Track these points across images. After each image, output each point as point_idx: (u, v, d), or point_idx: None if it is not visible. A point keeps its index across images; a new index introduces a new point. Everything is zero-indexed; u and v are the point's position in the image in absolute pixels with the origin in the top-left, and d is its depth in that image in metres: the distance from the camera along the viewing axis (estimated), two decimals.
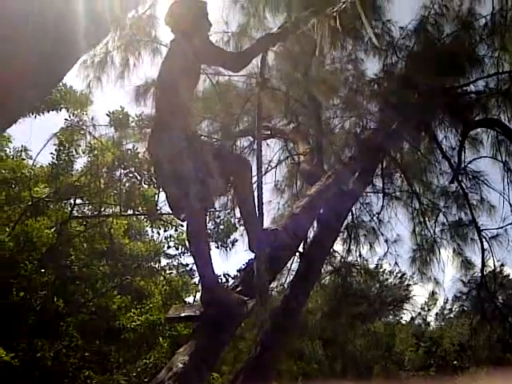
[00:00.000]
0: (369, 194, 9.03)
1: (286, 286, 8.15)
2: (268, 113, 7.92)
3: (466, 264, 9.08)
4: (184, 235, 10.51)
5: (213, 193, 3.55)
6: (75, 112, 9.04)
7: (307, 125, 8.16)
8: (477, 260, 8.94)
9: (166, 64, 3.65)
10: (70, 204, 9.83)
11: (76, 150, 9.24)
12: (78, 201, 9.86)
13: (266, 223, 4.16)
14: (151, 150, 3.63)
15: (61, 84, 8.85)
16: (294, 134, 8.01)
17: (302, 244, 6.18)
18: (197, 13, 3.62)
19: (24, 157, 10.38)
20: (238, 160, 3.76)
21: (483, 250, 8.55)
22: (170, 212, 4.14)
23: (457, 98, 7.78)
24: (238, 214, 9.18)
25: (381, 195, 8.90)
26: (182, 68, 3.46)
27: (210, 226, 9.51)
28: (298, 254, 6.13)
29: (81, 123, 9.05)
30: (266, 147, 8.96)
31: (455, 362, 18.83)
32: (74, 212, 9.97)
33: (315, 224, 6.37)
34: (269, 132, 8.50)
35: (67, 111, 9.03)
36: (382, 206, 8.98)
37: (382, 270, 10.73)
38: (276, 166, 9.35)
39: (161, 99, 3.73)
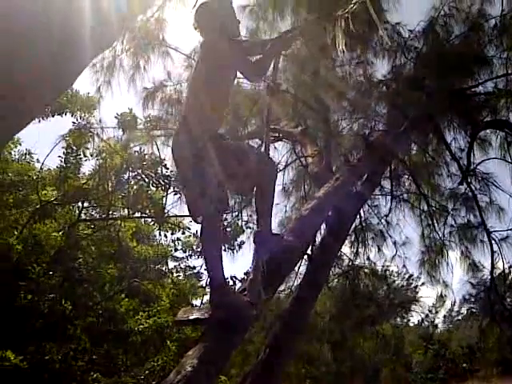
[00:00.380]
0: (377, 197, 9.01)
1: (293, 288, 8.13)
2: (276, 115, 7.90)
3: (474, 266, 9.04)
4: (191, 238, 10.51)
5: (235, 193, 3.54)
6: (82, 115, 9.06)
7: (315, 127, 8.14)
8: (486, 262, 8.90)
9: (197, 66, 3.66)
10: (78, 207, 9.84)
11: (84, 153, 9.26)
12: (86, 204, 9.87)
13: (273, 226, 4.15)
14: (173, 150, 3.64)
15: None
16: (301, 137, 7.98)
17: (310, 246, 6.18)
18: (223, 14, 3.62)
19: (28, 160, 10.42)
20: (265, 160, 3.75)
21: (493, 252, 8.50)
22: (187, 214, 4.13)
23: (465, 99, 7.74)
24: (245, 217, 9.21)
25: (389, 197, 8.87)
26: (210, 71, 3.46)
27: None
28: (306, 256, 6.12)
29: (88, 126, 9.07)
30: (273, 150, 8.96)
31: (464, 365, 18.76)
32: (82, 215, 9.98)
33: (323, 226, 6.35)
34: (276, 135, 8.48)
35: (72, 115, 9.06)
36: (390, 208, 8.96)
37: (389, 272, 10.66)
38: (284, 169, 9.35)
39: (188, 100, 3.74)
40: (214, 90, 3.49)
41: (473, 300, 10.13)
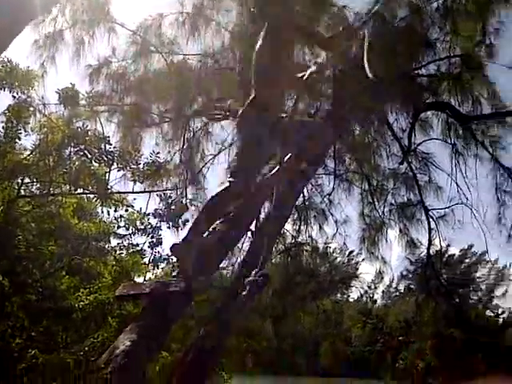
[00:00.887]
0: (320, 176, 9.15)
1: (237, 264, 8.20)
2: (222, 93, 7.88)
3: (412, 243, 9.34)
4: (135, 215, 10.40)
5: None
6: (23, 90, 8.77)
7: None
8: (423, 239, 9.22)
9: (264, 48, 3.82)
10: (18, 183, 9.56)
11: (24, 128, 8.99)
12: (26, 179, 9.60)
13: None
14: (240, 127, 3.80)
15: (7, 61, 8.61)
16: None
17: (254, 222, 6.23)
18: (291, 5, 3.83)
19: None
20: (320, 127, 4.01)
21: (430, 230, 8.81)
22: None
23: (409, 81, 7.90)
24: (189, 195, 9.19)
25: (332, 177, 9.02)
26: (277, 55, 3.70)
27: (161, 206, 9.50)
28: (249, 232, 6.17)
29: (30, 100, 8.79)
30: (219, 128, 8.99)
31: (400, 338, 19.46)
32: (22, 191, 9.70)
33: (267, 203, 6.41)
34: (223, 113, 8.47)
35: (10, 91, 8.75)
36: (333, 187, 9.12)
37: (330, 249, 10.88)
38: (230, 147, 9.33)
39: (256, 82, 3.93)
40: (281, 74, 3.77)
41: (410, 276, 10.48)
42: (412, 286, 11.36)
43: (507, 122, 8.28)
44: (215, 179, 9.66)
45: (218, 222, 4.45)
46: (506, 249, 8.82)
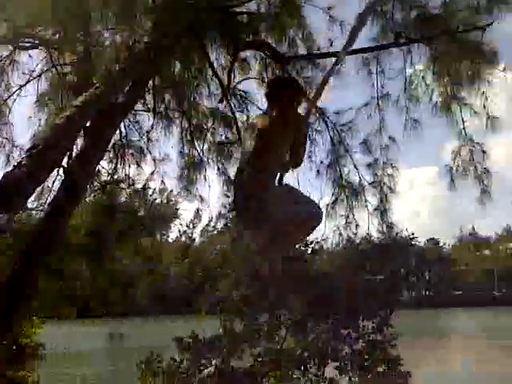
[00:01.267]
0: (139, 113, 8.92)
1: (47, 204, 7.76)
2: (31, 20, 7.20)
3: (229, 183, 9.56)
4: None
5: None
6: None
7: (75, 34, 7.61)
8: None
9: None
10: None
11: None
12: None
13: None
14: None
15: None
16: (60, 44, 7.43)
17: (65, 158, 5.89)
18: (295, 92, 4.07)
19: None
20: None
21: None
22: None
23: (230, 18, 7.85)
24: None
25: (151, 113, 8.83)
26: (284, 123, 3.85)
27: None
28: (62, 169, 5.84)
29: None
30: (27, 58, 8.31)
31: (218, 269, 20.36)
32: None
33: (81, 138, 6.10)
34: (32, 41, 7.80)
35: None
36: (152, 125, 8.95)
37: (149, 188, 10.76)
38: (38, 77, 8.63)
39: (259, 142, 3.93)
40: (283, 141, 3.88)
41: (227, 215, 10.79)
42: (229, 224, 11.74)
43: (320, 64, 8.69)
44: (22, 110, 8.97)
45: (24, 155, 4.12)
46: (315, 183, 9.32)
